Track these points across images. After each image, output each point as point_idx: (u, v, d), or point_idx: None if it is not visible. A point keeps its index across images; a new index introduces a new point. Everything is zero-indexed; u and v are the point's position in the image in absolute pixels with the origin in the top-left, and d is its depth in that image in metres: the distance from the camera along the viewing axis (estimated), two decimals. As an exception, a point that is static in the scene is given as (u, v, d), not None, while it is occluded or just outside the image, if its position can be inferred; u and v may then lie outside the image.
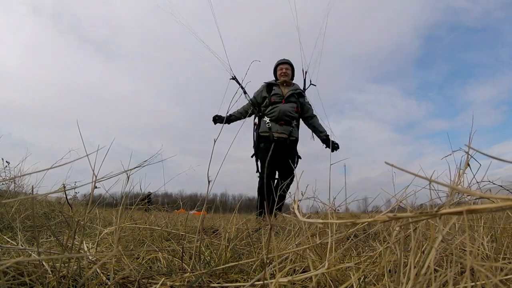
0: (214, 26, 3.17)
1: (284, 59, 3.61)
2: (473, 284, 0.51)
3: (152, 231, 1.26)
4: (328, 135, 3.40)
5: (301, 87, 3.59)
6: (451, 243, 0.69)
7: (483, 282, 0.43)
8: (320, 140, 3.43)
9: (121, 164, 0.89)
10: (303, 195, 1.17)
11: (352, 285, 0.64)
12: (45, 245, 1.10)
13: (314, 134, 3.50)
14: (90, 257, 0.78)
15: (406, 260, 0.56)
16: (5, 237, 1.16)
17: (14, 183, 2.38)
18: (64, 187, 1.01)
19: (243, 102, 3.52)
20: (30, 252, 0.81)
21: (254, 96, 3.52)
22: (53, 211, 2.01)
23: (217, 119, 3.50)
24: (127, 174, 0.81)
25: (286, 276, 0.63)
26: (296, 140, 3.40)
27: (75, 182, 1.47)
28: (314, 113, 3.50)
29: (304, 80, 3.66)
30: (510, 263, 0.71)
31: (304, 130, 3.48)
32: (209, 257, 0.99)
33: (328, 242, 0.72)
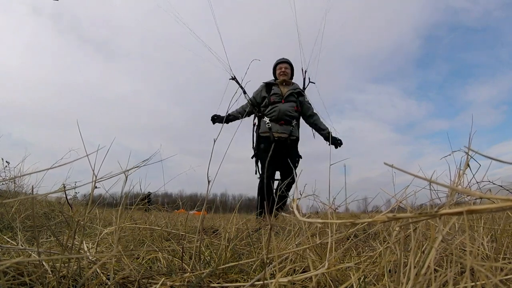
0: (215, 26, 3.18)
1: (283, 58, 3.60)
2: (473, 284, 0.51)
3: (152, 231, 1.26)
4: (330, 132, 3.39)
5: (301, 87, 3.57)
6: (451, 243, 0.69)
7: (483, 282, 0.43)
8: (323, 137, 3.42)
9: (122, 164, 0.89)
10: (301, 194, 1.17)
11: (352, 285, 0.64)
12: (45, 245, 1.10)
13: (315, 132, 3.49)
14: (90, 257, 0.78)
15: (406, 260, 0.56)
16: (5, 237, 1.16)
17: (14, 183, 2.38)
18: (64, 187, 1.01)
19: (242, 102, 3.52)
20: (30, 252, 0.81)
21: (253, 96, 3.50)
22: (53, 211, 2.01)
23: (215, 119, 3.49)
24: (125, 174, 0.81)
25: (286, 276, 0.63)
26: (297, 140, 3.39)
27: (75, 182, 1.47)
28: (315, 111, 3.49)
29: (304, 79, 3.65)
30: (510, 263, 0.71)
31: (304, 130, 3.47)
32: (209, 257, 0.99)
33: (328, 242, 0.72)
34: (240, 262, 0.84)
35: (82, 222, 0.80)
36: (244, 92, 3.41)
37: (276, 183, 3.33)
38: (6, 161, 2.67)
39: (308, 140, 3.44)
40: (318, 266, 0.72)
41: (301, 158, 3.42)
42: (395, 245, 0.64)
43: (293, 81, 3.57)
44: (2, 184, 2.42)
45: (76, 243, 0.85)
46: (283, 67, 3.50)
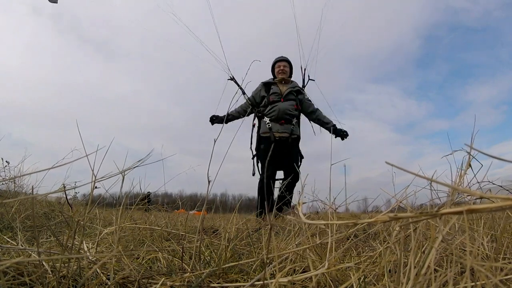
0: (214, 26, 3.18)
1: (281, 56, 3.57)
2: (473, 284, 0.51)
3: (152, 231, 1.26)
4: (334, 125, 3.37)
5: (300, 85, 3.55)
6: (451, 243, 0.69)
7: (483, 282, 0.43)
8: (328, 131, 3.39)
9: (120, 164, 0.89)
10: (303, 196, 1.17)
11: (352, 285, 0.64)
12: (45, 245, 1.10)
13: (316, 130, 3.47)
14: (90, 257, 0.78)
15: (406, 260, 0.56)
16: (5, 237, 1.16)
17: (14, 183, 2.38)
18: (64, 187, 1.01)
19: (242, 102, 3.51)
20: (30, 252, 0.81)
21: (252, 96, 3.48)
22: (53, 211, 2.01)
23: (214, 119, 3.48)
24: (122, 174, 0.81)
25: (286, 276, 0.63)
26: (298, 138, 3.37)
27: (75, 182, 1.47)
28: (316, 107, 3.46)
29: (303, 77, 3.63)
30: (510, 263, 0.71)
31: (304, 129, 3.46)
32: (209, 257, 0.99)
33: (328, 242, 0.72)
34: (240, 262, 0.84)
35: (82, 222, 0.80)
36: (243, 93, 3.40)
37: (279, 182, 3.32)
38: (6, 161, 2.68)
39: (308, 140, 3.44)
40: (318, 266, 0.72)
41: (303, 158, 3.40)
42: (395, 245, 0.64)
43: (292, 79, 3.54)
44: (2, 184, 2.43)
45: (76, 243, 0.85)
46: (282, 65, 3.47)
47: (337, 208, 1.00)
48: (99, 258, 0.78)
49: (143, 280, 0.71)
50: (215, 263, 0.90)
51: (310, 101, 3.48)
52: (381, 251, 0.77)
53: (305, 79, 3.63)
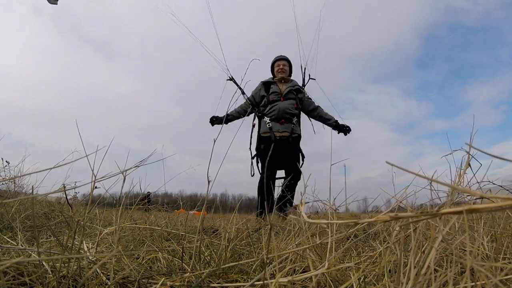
0: (214, 26, 3.18)
1: (281, 55, 3.55)
2: (473, 284, 0.51)
3: (152, 231, 1.26)
4: (336, 121, 3.36)
5: (300, 84, 3.53)
6: (451, 243, 0.69)
7: (483, 282, 0.43)
8: (331, 128, 3.37)
9: (120, 164, 0.89)
10: (305, 197, 1.17)
11: (352, 285, 0.64)
12: (45, 245, 1.10)
13: (316, 128, 3.46)
14: (90, 257, 0.78)
15: (406, 260, 0.56)
16: (5, 237, 1.16)
17: (14, 183, 2.38)
18: (64, 187, 1.01)
19: (242, 101, 3.51)
20: (30, 252, 0.81)
21: (252, 95, 3.47)
22: (53, 211, 2.01)
23: (214, 120, 3.47)
24: (123, 174, 0.81)
25: (286, 276, 0.63)
26: (299, 137, 3.35)
27: (75, 182, 1.47)
28: (316, 104, 3.45)
29: (303, 76, 3.61)
30: (510, 263, 0.71)
31: (304, 128, 3.45)
32: (209, 257, 0.99)
33: (328, 242, 0.72)
34: (240, 262, 0.84)
35: (82, 222, 0.80)
36: (243, 93, 3.39)
37: (281, 181, 3.31)
38: (6, 161, 2.68)
39: (308, 140, 3.43)
40: (318, 266, 0.72)
41: (305, 157, 3.38)
42: (395, 245, 0.64)
43: (292, 78, 3.53)
44: (2, 184, 2.43)
45: (76, 243, 0.85)
46: (281, 64, 3.45)
47: (337, 208, 1.00)
48: (99, 258, 0.78)
49: (143, 280, 0.71)
50: (215, 263, 0.90)
51: (310, 99, 3.46)
52: (381, 251, 0.77)
53: (306, 78, 3.61)
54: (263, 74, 3.58)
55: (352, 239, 1.00)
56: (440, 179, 0.81)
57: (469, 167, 0.76)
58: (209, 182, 0.85)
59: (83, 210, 1.01)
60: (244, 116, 3.43)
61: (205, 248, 1.09)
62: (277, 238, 1.15)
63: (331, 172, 0.93)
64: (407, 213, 0.38)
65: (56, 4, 2.99)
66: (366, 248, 1.19)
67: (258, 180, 3.32)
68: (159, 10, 3.15)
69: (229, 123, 3.50)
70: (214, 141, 0.89)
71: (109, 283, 0.67)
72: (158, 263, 0.93)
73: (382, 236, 1.11)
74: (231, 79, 3.38)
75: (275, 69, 3.49)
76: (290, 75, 3.54)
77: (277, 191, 2.93)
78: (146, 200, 1.63)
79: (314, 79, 3.58)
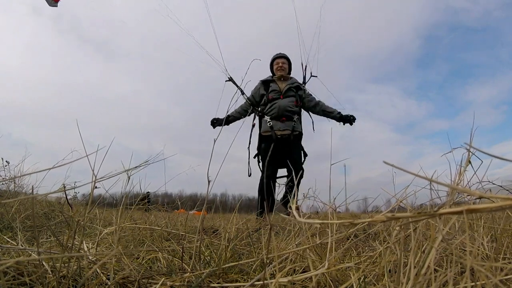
0: (214, 26, 3.18)
1: (280, 53, 3.52)
2: (473, 284, 0.51)
3: (152, 231, 1.26)
4: (339, 112, 3.32)
5: (300, 82, 3.49)
6: (451, 243, 0.69)
7: (483, 282, 0.43)
8: (336, 120, 3.33)
9: (121, 164, 0.89)
10: (305, 196, 1.17)
11: (352, 285, 0.64)
12: (45, 245, 1.10)
13: (315, 125, 3.42)
14: (90, 257, 0.78)
15: (406, 260, 0.56)
16: (5, 237, 1.16)
17: (14, 183, 2.38)
18: (64, 187, 1.01)
19: (242, 102, 3.50)
20: (30, 252, 0.81)
21: (251, 95, 3.45)
22: (53, 211, 2.01)
23: (215, 122, 3.45)
24: (127, 174, 0.81)
25: (286, 276, 0.63)
26: (300, 135, 3.32)
27: (75, 182, 1.47)
28: (318, 99, 3.42)
29: (304, 75, 3.58)
30: (510, 263, 0.71)
31: (304, 128, 3.44)
32: (209, 257, 0.99)
33: (328, 242, 0.72)
34: (240, 262, 0.84)
35: (82, 222, 0.80)
36: (242, 93, 3.38)
37: (283, 180, 3.30)
38: (6, 161, 2.68)
39: (308, 140, 3.42)
40: (318, 266, 0.72)
41: (307, 155, 3.35)
42: (395, 245, 0.64)
43: (291, 75, 3.50)
44: (2, 184, 2.43)
45: (76, 243, 0.85)
46: (280, 62, 3.42)
47: (337, 208, 1.00)
48: (99, 258, 0.78)
49: (143, 280, 0.71)
50: (215, 263, 0.90)
51: (310, 95, 3.42)
52: (381, 251, 0.77)
53: (306, 75, 3.57)
54: (263, 74, 3.57)
55: (352, 239, 1.00)
56: (440, 178, 0.81)
57: (470, 165, 0.75)
58: (209, 182, 0.85)
59: (83, 210, 1.01)
60: (245, 116, 3.42)
61: (205, 248, 1.09)
62: (277, 238, 1.14)
63: (331, 172, 0.93)
64: (405, 213, 0.38)
65: (56, 6, 2.99)
66: (366, 248, 1.19)
67: (258, 180, 3.32)
68: (159, 11, 3.15)
69: (230, 124, 3.49)
70: (214, 141, 0.89)
71: (109, 283, 0.67)
72: (158, 263, 0.93)
73: (382, 236, 1.11)
74: (230, 79, 3.37)
75: (274, 67, 3.46)
76: (289, 72, 3.51)
77: (281, 190, 2.91)
78: (146, 200, 1.63)
79: (316, 76, 3.55)
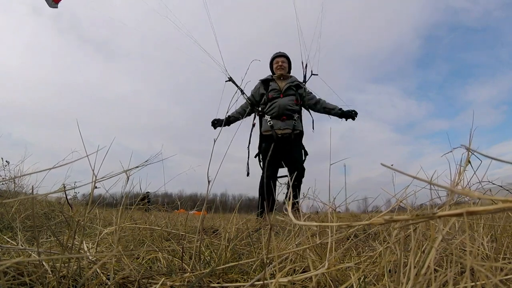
0: (214, 26, 3.18)
1: (279, 52, 3.51)
2: (473, 284, 0.51)
3: (152, 231, 1.26)
4: (341, 108, 3.32)
5: (300, 80, 3.47)
6: (451, 243, 0.69)
7: (483, 282, 0.43)
8: (337, 117, 3.33)
9: (121, 164, 0.89)
10: (304, 196, 1.17)
11: (352, 285, 0.64)
12: (45, 245, 1.10)
13: (315, 124, 3.41)
14: (90, 257, 0.78)
15: (406, 260, 0.56)
16: (5, 237, 1.16)
17: (14, 183, 2.38)
18: (64, 187, 1.01)
19: (242, 102, 3.49)
20: (30, 252, 0.81)
21: (251, 94, 3.44)
22: (53, 211, 2.01)
23: (216, 123, 3.44)
24: (126, 174, 0.81)
25: (286, 276, 0.63)
26: (301, 134, 3.30)
27: (75, 182, 1.47)
28: (318, 97, 3.40)
29: (305, 74, 3.56)
30: (510, 263, 0.71)
31: (306, 126, 3.42)
32: (209, 257, 0.99)
33: (328, 242, 0.72)
34: (240, 262, 0.84)
35: (82, 222, 0.80)
36: (242, 93, 3.37)
37: (285, 179, 3.29)
38: (6, 161, 2.68)
39: (308, 140, 3.42)
40: (318, 266, 0.72)
41: (308, 154, 3.33)
42: (395, 245, 0.64)
43: (291, 74, 3.48)
44: (2, 184, 2.43)
45: (76, 243, 0.85)
46: (280, 61, 3.41)
47: (337, 208, 1.00)
48: (99, 258, 0.78)
49: (143, 280, 0.71)
50: (215, 263, 0.90)
51: (311, 93, 3.41)
52: (381, 251, 0.77)
53: (307, 74, 3.55)
54: (263, 74, 3.56)
55: (352, 239, 1.00)
56: (440, 178, 0.81)
57: (469, 165, 0.75)
58: (209, 182, 0.85)
59: (83, 210, 1.01)
60: (246, 116, 3.41)
61: (205, 248, 1.09)
62: (277, 238, 1.15)
63: (331, 172, 0.93)
64: (403, 216, 0.38)
65: (57, 7, 2.99)
66: (366, 248, 1.19)
67: (257, 180, 3.32)
68: (159, 10, 3.15)
69: (231, 125, 3.48)
70: (214, 141, 0.89)
71: (109, 283, 0.67)
72: (158, 263, 0.93)
73: (382, 236, 1.11)
74: (230, 79, 3.36)
75: (274, 66, 3.45)
76: (289, 71, 3.49)
77: (282, 190, 2.90)
78: (146, 200, 1.63)
79: (317, 75, 3.54)
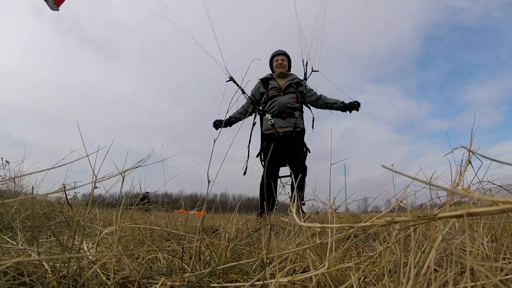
0: (214, 26, 3.18)
1: (279, 50, 3.50)
2: (473, 284, 0.51)
3: (152, 231, 1.26)
4: (343, 102, 3.29)
5: (301, 78, 3.46)
6: (451, 243, 0.69)
7: (483, 282, 0.43)
8: (340, 110, 3.30)
9: (120, 164, 0.89)
10: (306, 200, 1.17)
11: (352, 285, 0.64)
12: (45, 245, 1.10)
13: (314, 124, 3.39)
14: (90, 257, 0.78)
15: (406, 260, 0.56)
16: (5, 237, 1.16)
17: (14, 183, 2.38)
18: (64, 187, 1.01)
19: (243, 101, 3.49)
20: (30, 252, 0.81)
21: (252, 94, 3.44)
22: (53, 211, 2.01)
23: (217, 124, 3.42)
24: (122, 175, 0.81)
25: (286, 276, 0.63)
26: (303, 131, 3.28)
27: (75, 182, 1.48)
28: (319, 93, 3.38)
29: (305, 72, 3.54)
30: (510, 263, 0.71)
31: (306, 126, 3.41)
32: (209, 257, 0.99)
33: (328, 242, 0.72)
34: (240, 262, 0.84)
35: (82, 222, 0.80)
36: (243, 92, 3.37)
37: (288, 179, 3.28)
38: (6, 161, 2.67)
39: (308, 140, 3.41)
40: (318, 266, 0.72)
41: (310, 151, 3.32)
42: (395, 245, 0.64)
43: (291, 72, 3.47)
44: (2, 184, 2.43)
45: (76, 243, 0.85)
46: (280, 59, 3.40)
47: (337, 208, 1.00)
48: (99, 258, 0.78)
49: (143, 280, 0.71)
50: (215, 263, 0.90)
51: (312, 90, 3.40)
52: (381, 251, 0.77)
53: (308, 71, 3.53)
54: (263, 73, 3.56)
55: (352, 239, 1.00)
56: (439, 179, 0.81)
57: (470, 165, 0.75)
58: (209, 182, 0.85)
59: (83, 210, 1.01)
60: (247, 116, 3.40)
61: (205, 248, 1.09)
62: (277, 238, 1.15)
63: (331, 172, 0.93)
64: (405, 217, 0.38)
65: (58, 10, 2.98)
66: (366, 248, 1.19)
67: (257, 179, 3.31)
68: (159, 10, 3.15)
69: (233, 125, 3.48)
70: (214, 141, 0.89)
71: (109, 283, 0.67)
72: (158, 263, 0.93)
73: (382, 236, 1.11)
74: (231, 79, 3.36)
75: (274, 64, 3.44)
76: (289, 69, 3.48)
77: (285, 190, 2.89)
78: (146, 200, 1.63)
79: (317, 71, 3.52)
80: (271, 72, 3.51)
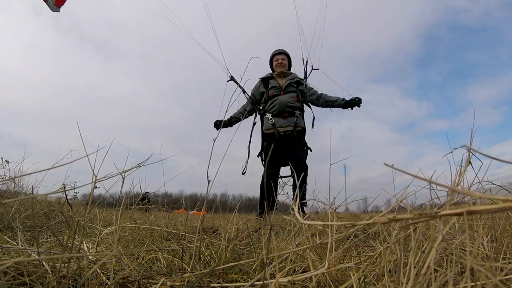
0: (214, 26, 3.18)
1: (279, 49, 3.50)
2: (473, 284, 0.51)
3: (152, 231, 1.26)
4: (344, 99, 3.25)
5: (301, 77, 3.45)
6: (451, 243, 0.69)
7: (483, 282, 0.43)
8: (341, 107, 3.26)
9: (120, 164, 0.89)
10: (307, 200, 1.17)
11: (352, 285, 0.64)
12: (45, 245, 1.10)
13: (314, 124, 3.37)
14: (90, 257, 0.78)
15: (406, 260, 0.56)
16: (5, 237, 1.16)
17: (14, 183, 2.38)
18: (64, 187, 1.01)
19: (243, 101, 3.49)
20: (30, 252, 0.81)
21: (252, 93, 3.43)
22: (53, 211, 2.01)
23: (218, 124, 3.41)
24: (122, 175, 0.81)
25: (286, 276, 0.63)
26: (303, 130, 3.26)
27: (75, 182, 1.48)
28: (320, 92, 3.36)
29: (305, 71, 3.53)
30: (510, 263, 0.71)
31: (306, 126, 3.40)
32: (209, 257, 0.99)
33: (328, 242, 0.72)
34: (240, 262, 0.84)
35: (82, 222, 0.80)
36: (243, 91, 3.36)
37: (288, 178, 3.27)
38: (6, 161, 2.67)
39: (308, 140, 3.41)
40: (318, 266, 0.72)
41: (311, 150, 3.30)
42: (395, 245, 0.64)
43: (291, 71, 3.46)
44: (2, 184, 2.43)
45: (76, 243, 0.85)
46: (280, 58, 3.38)
47: (337, 208, 1.00)
48: (99, 258, 0.78)
49: (143, 280, 0.71)
50: (215, 263, 0.90)
51: (312, 89, 3.38)
52: (381, 251, 0.77)
53: (308, 70, 3.52)
54: (263, 73, 3.56)
55: (352, 239, 1.00)
56: (439, 179, 0.81)
57: (470, 165, 0.75)
58: (209, 182, 0.85)
59: (83, 210, 1.01)
60: (247, 116, 3.39)
61: (205, 248, 1.09)
62: (277, 238, 1.15)
63: (331, 172, 0.93)
64: (406, 215, 0.38)
65: (59, 11, 2.98)
66: (366, 248, 1.19)
67: (258, 179, 3.31)
68: (160, 10, 3.15)
69: (234, 125, 3.47)
70: (214, 141, 0.89)
71: (109, 283, 0.67)
72: (158, 263, 0.93)
73: (382, 236, 1.11)
74: (232, 78, 3.35)
75: (274, 63, 3.43)
76: (289, 69, 3.47)
77: (286, 190, 2.88)
78: (146, 200, 1.63)
79: (318, 69, 3.51)
80: (271, 72, 3.50)
